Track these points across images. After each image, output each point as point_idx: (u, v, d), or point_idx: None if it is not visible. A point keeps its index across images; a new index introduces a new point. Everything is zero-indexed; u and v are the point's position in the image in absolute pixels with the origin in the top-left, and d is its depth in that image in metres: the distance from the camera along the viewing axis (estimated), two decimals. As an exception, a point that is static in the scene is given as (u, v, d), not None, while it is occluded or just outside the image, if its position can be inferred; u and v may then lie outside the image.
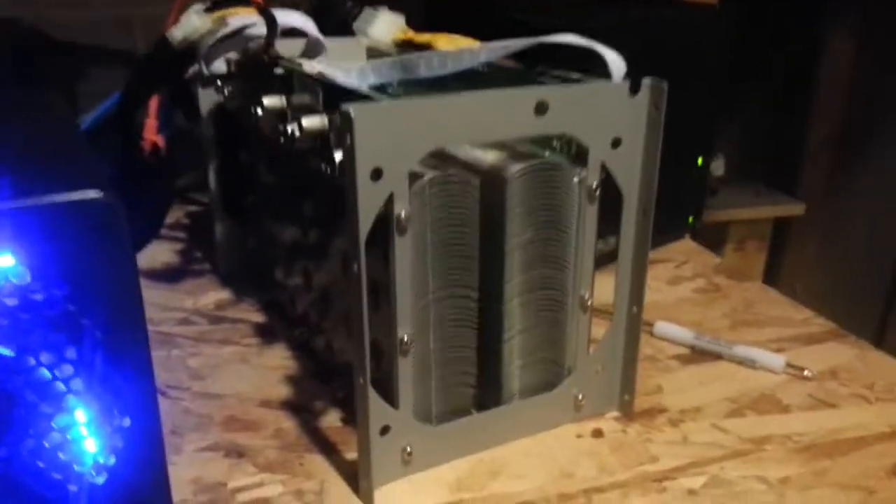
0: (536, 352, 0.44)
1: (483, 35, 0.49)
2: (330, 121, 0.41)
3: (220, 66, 0.55)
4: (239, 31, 0.49)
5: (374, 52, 0.53)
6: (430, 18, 0.60)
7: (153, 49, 0.52)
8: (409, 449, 0.40)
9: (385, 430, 0.39)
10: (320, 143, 0.42)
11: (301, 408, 0.47)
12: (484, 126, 0.38)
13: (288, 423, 0.45)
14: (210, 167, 0.61)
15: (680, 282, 0.66)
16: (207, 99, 0.59)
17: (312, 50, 0.51)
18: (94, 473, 0.34)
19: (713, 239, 1.22)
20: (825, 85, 1.32)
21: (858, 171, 1.29)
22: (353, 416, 0.45)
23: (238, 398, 0.48)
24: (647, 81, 0.41)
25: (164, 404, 0.34)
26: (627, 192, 0.43)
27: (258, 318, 0.58)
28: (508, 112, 0.38)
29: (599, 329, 0.46)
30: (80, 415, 0.33)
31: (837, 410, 0.48)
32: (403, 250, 0.38)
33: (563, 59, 0.45)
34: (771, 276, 1.44)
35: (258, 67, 0.50)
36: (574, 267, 0.43)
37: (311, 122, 0.41)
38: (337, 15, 0.56)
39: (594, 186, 0.42)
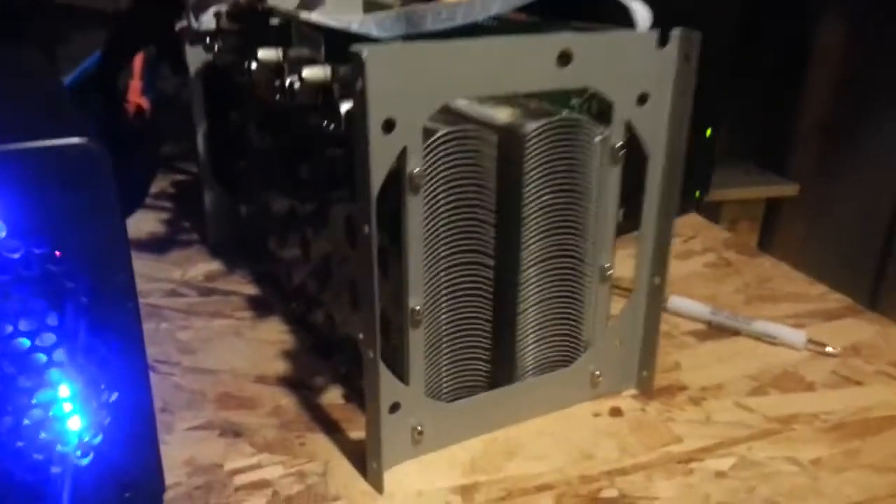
0: (552, 325, 0.41)
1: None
2: (334, 71, 0.38)
3: (208, 20, 0.51)
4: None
5: (374, 6, 0.50)
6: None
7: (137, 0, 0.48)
8: (419, 428, 0.38)
9: (395, 408, 0.37)
10: (322, 96, 0.39)
11: (300, 384, 0.44)
12: (503, 76, 0.35)
13: (286, 401, 0.42)
14: (198, 131, 0.57)
15: (690, 256, 0.63)
16: (195, 57, 0.55)
17: (309, 2, 0.48)
18: (78, 454, 0.31)
19: (706, 218, 1.21)
20: (816, 65, 1.30)
21: (848, 154, 1.28)
22: (356, 392, 0.42)
23: (232, 374, 0.45)
24: (676, 32, 0.38)
25: (153, 380, 0.31)
26: (653, 154, 0.40)
27: (251, 290, 0.55)
28: (530, 61, 0.35)
29: (615, 305, 0.43)
30: (64, 389, 0.30)
31: (864, 388, 0.46)
32: (416, 211, 0.35)
33: (575, 14, 0.42)
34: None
35: (251, 19, 0.47)
36: (594, 234, 0.40)
37: (312, 73, 0.38)
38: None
39: (618, 146, 0.39)
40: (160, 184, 0.72)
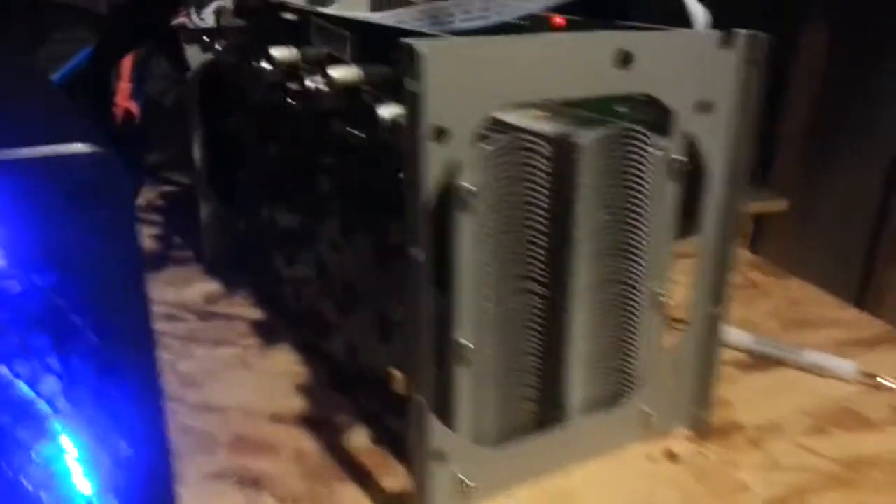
0: (603, 358, 0.38)
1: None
2: (366, 71, 0.34)
3: (208, 16, 0.47)
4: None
5: (402, 3, 0.46)
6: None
7: None
8: (466, 478, 0.33)
9: (440, 457, 0.32)
10: (351, 100, 0.35)
11: (321, 423, 0.39)
12: (560, 79, 0.31)
13: (308, 444, 0.38)
14: (194, 138, 0.53)
15: (717, 278, 0.60)
16: (191, 57, 0.51)
17: (330, -1, 0.44)
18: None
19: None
20: (797, 77, 1.29)
21: (831, 166, 1.26)
22: (386, 434, 0.38)
23: (244, 411, 0.40)
24: (742, 32, 0.34)
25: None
26: (713, 168, 0.36)
27: (255, 313, 0.50)
28: (587, 62, 0.31)
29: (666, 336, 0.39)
30: (69, 442, 0.25)
31: (927, 425, 0.42)
32: (467, 233, 0.31)
33: (617, 15, 0.39)
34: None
35: (260, 15, 0.43)
36: (648, 257, 0.37)
37: (342, 73, 0.34)
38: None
39: (677, 160, 0.35)
40: (146, 195, 0.67)
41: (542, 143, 0.33)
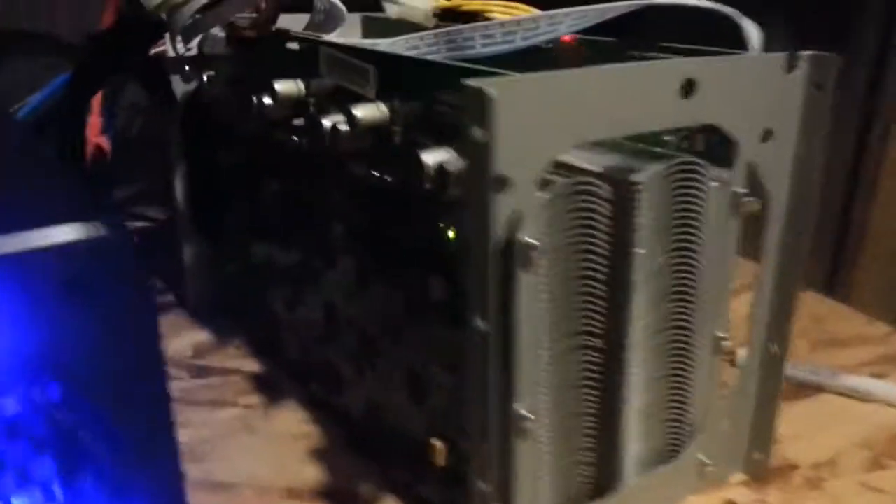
0: (660, 411, 0.34)
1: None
2: (397, 109, 0.30)
3: (191, 45, 0.42)
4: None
5: (404, 26, 0.42)
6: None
7: (119, 17, 0.39)
8: (527, 564, 0.30)
9: (501, 544, 0.29)
10: (376, 141, 0.31)
11: (345, 498, 0.35)
12: (628, 114, 0.28)
13: (337, 525, 0.34)
14: (176, 174, 0.48)
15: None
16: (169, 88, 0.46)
17: (326, 23, 0.39)
18: None
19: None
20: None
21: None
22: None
23: (256, 488, 0.36)
24: (806, 54, 0.31)
25: None
26: (775, 199, 0.33)
27: (252, 366, 0.46)
28: (654, 93, 0.28)
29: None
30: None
31: None
32: (528, 292, 0.27)
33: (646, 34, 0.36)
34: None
35: (259, 44, 0.38)
36: (709, 299, 0.33)
37: (367, 112, 0.30)
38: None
39: (740, 193, 0.32)
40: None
41: (601, 184, 0.29)
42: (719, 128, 0.31)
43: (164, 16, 0.35)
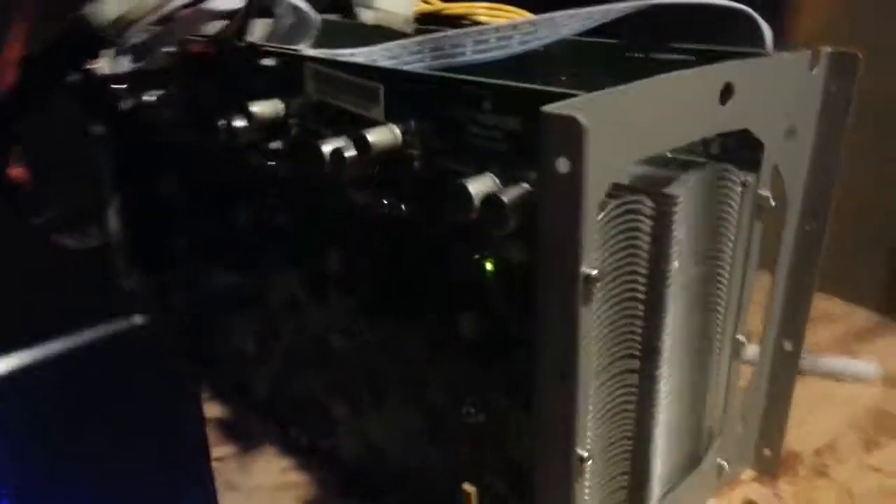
0: (683, 422, 0.33)
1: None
2: (409, 133, 0.27)
3: (126, 61, 0.37)
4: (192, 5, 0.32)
5: (384, 33, 0.38)
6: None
7: (58, 34, 0.33)
8: None
9: None
10: (392, 168, 0.28)
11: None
12: (679, 124, 0.26)
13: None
14: (109, 203, 0.42)
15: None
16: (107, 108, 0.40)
17: (295, 31, 0.35)
18: None
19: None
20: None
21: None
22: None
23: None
24: (827, 51, 0.31)
25: None
26: (793, 196, 0.33)
27: (215, 411, 0.41)
28: (698, 101, 0.26)
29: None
30: None
31: (962, 419, 0.42)
32: (587, 327, 0.25)
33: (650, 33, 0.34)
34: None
35: (222, 60, 0.34)
36: (733, 304, 0.32)
37: (381, 137, 0.27)
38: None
39: (765, 196, 0.31)
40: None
41: (646, 200, 0.27)
42: (749, 131, 0.29)
43: (112, 32, 0.30)
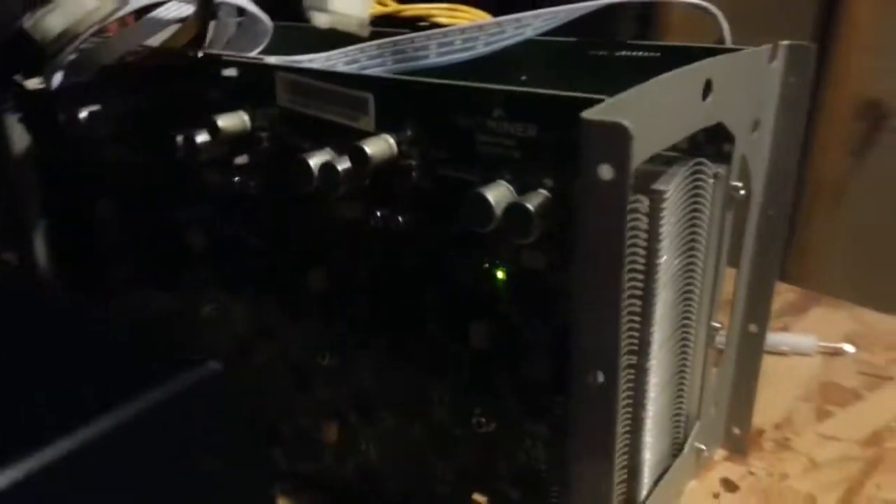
0: (670, 409, 0.34)
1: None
2: (399, 144, 0.26)
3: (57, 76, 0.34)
4: (142, 13, 0.30)
5: (339, 37, 0.37)
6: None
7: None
8: None
9: None
10: (373, 181, 0.27)
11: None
12: (672, 122, 0.26)
13: None
14: (35, 225, 0.39)
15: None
16: (37, 125, 0.37)
17: (244, 38, 0.34)
18: None
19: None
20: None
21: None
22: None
23: None
24: (784, 44, 0.32)
25: None
26: (756, 185, 0.34)
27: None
28: (687, 98, 0.27)
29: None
30: None
31: (899, 383, 0.45)
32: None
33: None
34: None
35: (181, 70, 0.32)
36: (709, 293, 0.34)
37: (378, 148, 0.26)
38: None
39: (736, 186, 0.32)
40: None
41: (642, 199, 0.27)
42: (723, 124, 0.30)
43: (55, 47, 0.28)
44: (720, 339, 0.37)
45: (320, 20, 0.34)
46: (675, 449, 0.35)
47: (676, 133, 0.27)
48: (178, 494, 0.15)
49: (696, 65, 0.27)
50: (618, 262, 0.22)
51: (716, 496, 0.36)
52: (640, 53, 0.34)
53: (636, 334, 0.29)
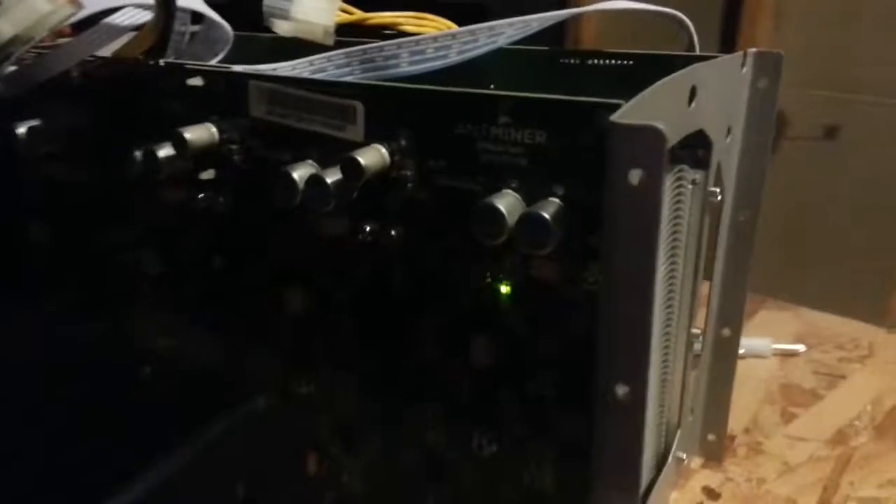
0: (656, 418, 0.34)
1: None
2: (392, 154, 0.25)
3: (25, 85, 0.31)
4: (98, 19, 0.27)
5: (303, 46, 0.35)
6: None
7: None
8: None
9: None
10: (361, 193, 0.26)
11: None
12: (667, 128, 0.26)
13: None
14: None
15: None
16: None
17: (204, 47, 0.32)
18: None
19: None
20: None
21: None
22: None
23: None
24: (752, 51, 0.32)
25: None
26: (728, 189, 0.34)
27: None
28: (675, 105, 0.27)
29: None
30: None
31: (853, 380, 0.46)
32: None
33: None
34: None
35: (137, 80, 0.29)
36: (689, 300, 0.33)
37: (372, 158, 0.25)
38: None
39: (714, 192, 0.32)
40: None
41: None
42: (703, 130, 0.30)
43: (1, 55, 0.25)
44: (697, 345, 0.37)
45: (282, 28, 0.33)
46: (659, 460, 0.35)
47: (672, 139, 0.27)
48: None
49: (683, 71, 0.27)
50: (650, 268, 0.21)
51: (700, 505, 0.36)
52: (612, 62, 0.34)
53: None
